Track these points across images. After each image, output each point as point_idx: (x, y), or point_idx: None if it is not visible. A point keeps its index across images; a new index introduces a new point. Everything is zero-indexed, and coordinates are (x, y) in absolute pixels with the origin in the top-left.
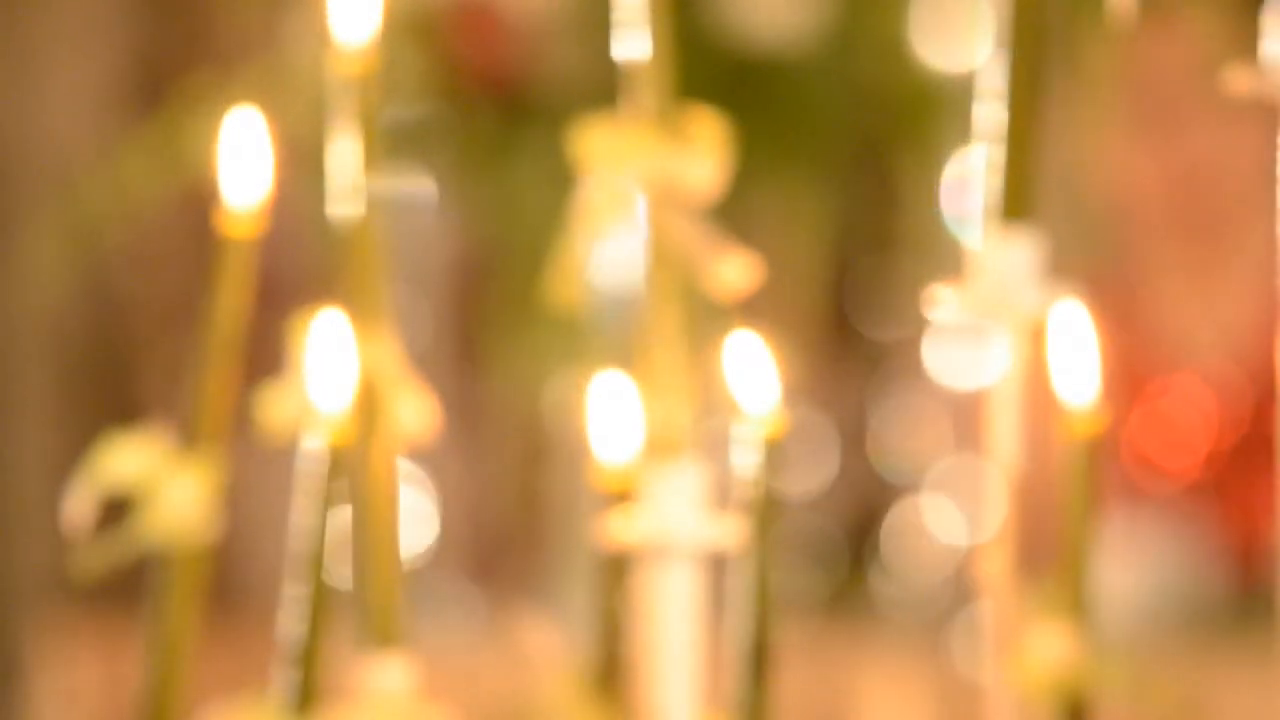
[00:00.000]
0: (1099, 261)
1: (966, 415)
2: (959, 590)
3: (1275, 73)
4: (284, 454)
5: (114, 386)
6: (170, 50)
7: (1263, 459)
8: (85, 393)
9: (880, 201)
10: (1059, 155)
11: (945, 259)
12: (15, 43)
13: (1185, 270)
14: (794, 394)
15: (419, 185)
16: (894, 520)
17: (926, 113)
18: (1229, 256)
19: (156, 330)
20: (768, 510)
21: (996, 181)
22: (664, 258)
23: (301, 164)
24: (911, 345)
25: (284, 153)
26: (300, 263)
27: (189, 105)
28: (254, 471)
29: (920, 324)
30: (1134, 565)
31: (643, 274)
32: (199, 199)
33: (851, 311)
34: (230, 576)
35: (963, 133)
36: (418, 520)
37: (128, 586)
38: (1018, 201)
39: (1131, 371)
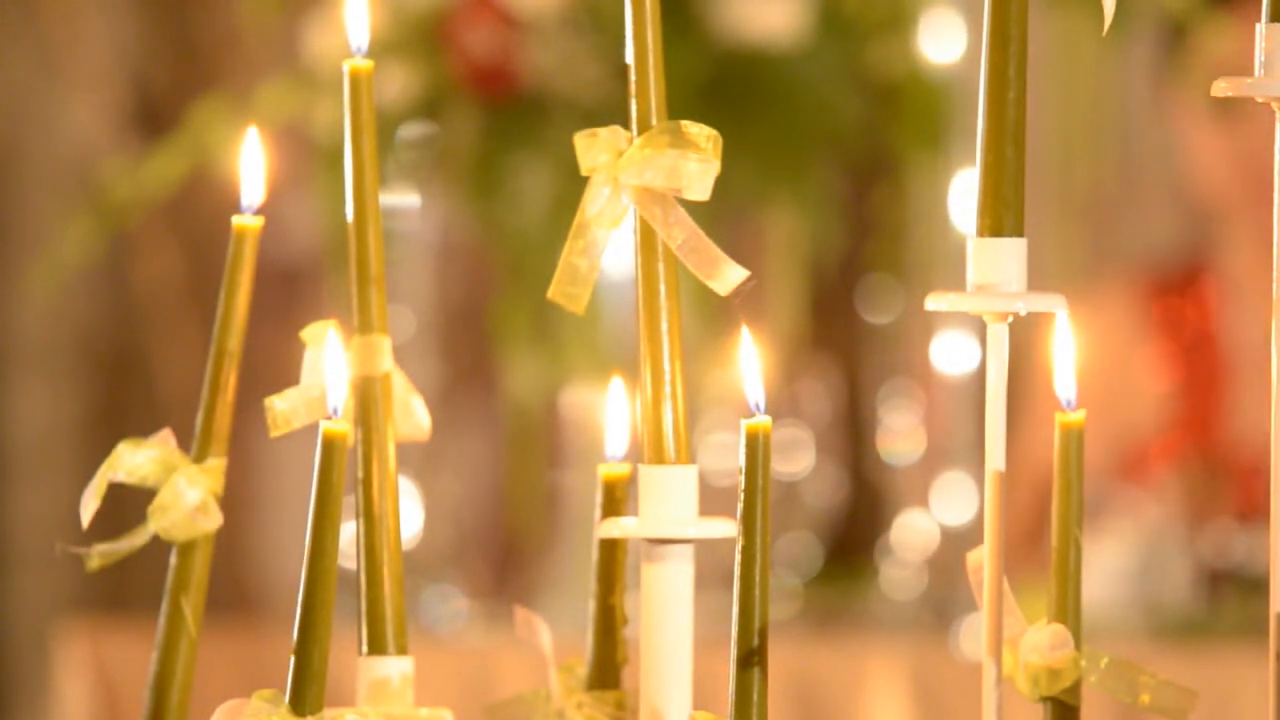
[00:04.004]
0: (1170, 253)
1: (967, 408)
2: (958, 583)
3: (1269, 79)
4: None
5: (129, 383)
6: (186, 55)
7: None
8: (100, 392)
9: (886, 196)
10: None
11: (950, 251)
12: (37, 43)
13: (1255, 261)
14: (792, 388)
15: (417, 184)
16: (893, 515)
17: (933, 107)
18: None
19: (170, 327)
20: (763, 508)
21: (983, 183)
22: (660, 260)
23: (308, 166)
24: (915, 336)
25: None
26: (304, 262)
27: (205, 108)
28: (277, 482)
29: (923, 316)
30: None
31: (639, 275)
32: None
33: (854, 302)
34: (254, 583)
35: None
36: (418, 520)
37: (130, 594)
38: (1002, 204)
39: (1199, 367)
